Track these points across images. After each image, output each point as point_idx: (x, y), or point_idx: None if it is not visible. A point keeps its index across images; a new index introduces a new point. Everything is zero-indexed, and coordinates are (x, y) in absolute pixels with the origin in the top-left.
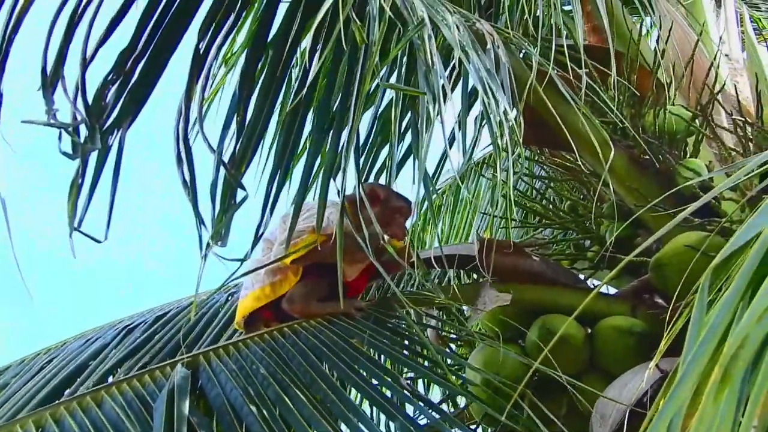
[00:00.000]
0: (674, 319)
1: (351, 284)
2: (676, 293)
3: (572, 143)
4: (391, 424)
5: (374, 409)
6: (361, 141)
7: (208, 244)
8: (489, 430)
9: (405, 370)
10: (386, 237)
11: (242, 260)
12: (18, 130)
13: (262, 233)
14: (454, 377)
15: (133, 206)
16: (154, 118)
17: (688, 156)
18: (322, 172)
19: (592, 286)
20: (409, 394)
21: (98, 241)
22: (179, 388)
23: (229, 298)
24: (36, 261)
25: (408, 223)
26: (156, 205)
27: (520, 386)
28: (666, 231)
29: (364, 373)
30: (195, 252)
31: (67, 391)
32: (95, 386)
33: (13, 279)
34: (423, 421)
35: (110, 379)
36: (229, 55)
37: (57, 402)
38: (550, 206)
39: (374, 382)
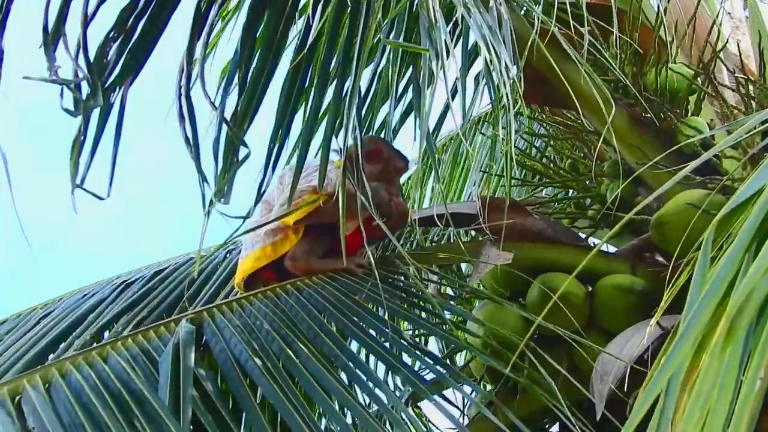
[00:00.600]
0: (675, 276)
1: (348, 240)
2: (677, 251)
3: (573, 101)
4: (397, 379)
5: (378, 363)
6: (362, 98)
7: (211, 201)
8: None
9: (407, 325)
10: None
11: (245, 217)
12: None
13: (265, 191)
14: (456, 333)
15: (129, 171)
16: (152, 81)
17: (689, 114)
18: (323, 129)
19: (593, 245)
20: (412, 348)
21: (100, 198)
22: (184, 342)
23: (227, 255)
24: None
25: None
26: (153, 169)
27: (523, 340)
28: (667, 189)
29: (368, 329)
30: (192, 215)
31: (62, 344)
32: (93, 339)
33: None
34: (428, 376)
35: (107, 334)
36: (230, 11)
37: (63, 357)
38: (551, 165)
39: (377, 336)
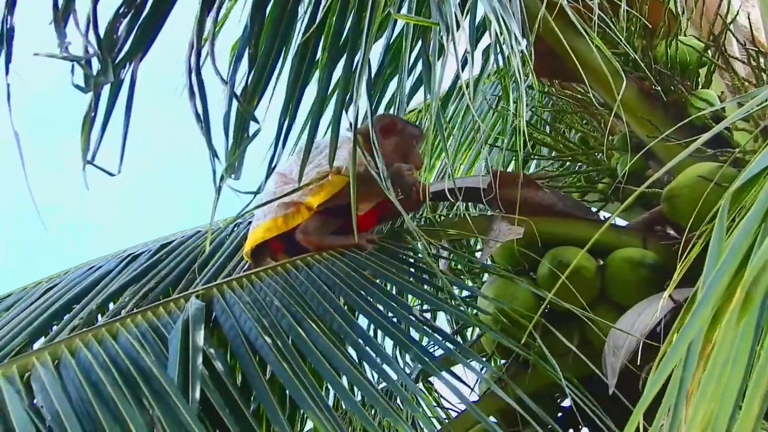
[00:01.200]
0: (688, 249)
1: (361, 219)
2: (689, 224)
3: (583, 74)
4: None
5: (387, 340)
6: (372, 73)
7: (221, 177)
8: (500, 361)
9: (416, 302)
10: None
11: (255, 192)
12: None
13: (275, 166)
14: (466, 308)
15: (140, 147)
16: (162, 58)
17: (700, 87)
18: (333, 103)
19: (604, 219)
20: (422, 324)
21: (111, 174)
22: (194, 318)
23: (234, 229)
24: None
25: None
26: (163, 146)
27: (535, 316)
28: (678, 162)
29: (378, 305)
30: (200, 192)
31: (67, 315)
32: (98, 309)
33: None
34: (437, 353)
35: (112, 305)
36: None
37: (72, 334)
38: (561, 138)
39: (387, 313)
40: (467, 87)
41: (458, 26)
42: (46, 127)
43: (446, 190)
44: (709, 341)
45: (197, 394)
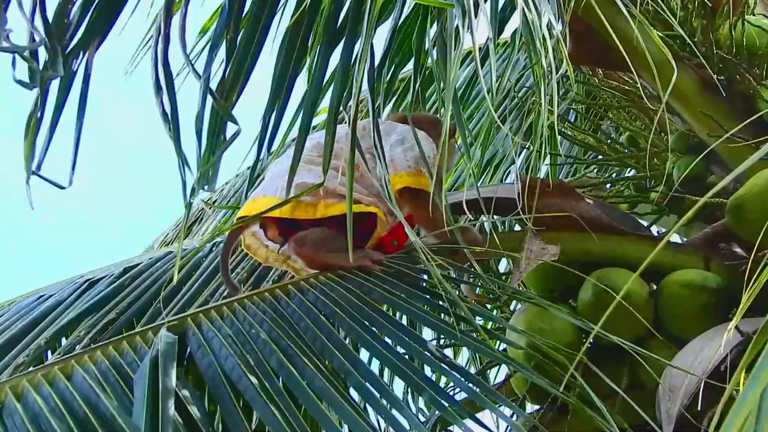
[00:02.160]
0: (758, 271)
1: (381, 240)
2: (759, 240)
3: (630, 62)
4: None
5: (399, 381)
6: (376, 62)
7: (193, 189)
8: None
9: (433, 335)
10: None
11: (234, 208)
12: None
13: (258, 176)
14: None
15: (99, 148)
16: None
17: None
18: (329, 99)
19: (657, 234)
20: (439, 362)
21: (61, 187)
22: (164, 355)
23: (213, 249)
24: None
25: None
26: (127, 147)
27: (578, 354)
28: (747, 167)
29: (386, 339)
30: (173, 201)
31: (13, 350)
32: (47, 344)
33: None
34: (459, 396)
35: (64, 341)
36: None
37: (18, 374)
38: (606, 139)
39: (397, 348)
40: (484, 77)
41: (477, 8)
42: None
43: (466, 202)
44: None
45: None
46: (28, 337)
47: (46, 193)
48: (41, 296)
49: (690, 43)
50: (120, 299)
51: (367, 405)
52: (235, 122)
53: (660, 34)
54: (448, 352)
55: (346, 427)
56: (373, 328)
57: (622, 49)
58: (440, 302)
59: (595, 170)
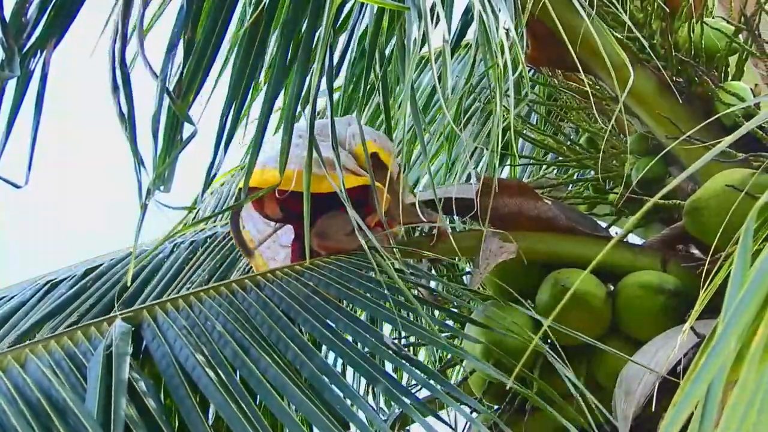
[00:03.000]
0: (713, 273)
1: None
2: (716, 242)
3: (588, 64)
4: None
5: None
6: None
7: (149, 190)
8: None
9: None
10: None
11: (190, 209)
12: None
13: (214, 176)
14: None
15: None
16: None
17: (729, 78)
18: (287, 101)
19: (615, 235)
20: (399, 358)
21: (17, 187)
22: (119, 345)
23: (175, 249)
24: None
25: None
26: (86, 146)
27: (533, 346)
28: (701, 166)
29: (343, 332)
30: (133, 201)
31: None
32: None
33: None
34: (421, 394)
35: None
36: None
37: None
38: (566, 140)
39: (357, 344)
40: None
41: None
42: None
43: (420, 202)
44: (731, 383)
45: None
46: None
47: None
48: (2, 297)
49: (649, 45)
50: (82, 301)
51: (324, 397)
52: (192, 123)
53: (619, 36)
54: (412, 353)
55: (304, 419)
56: (329, 322)
57: (574, 51)
58: (400, 298)
59: (555, 171)
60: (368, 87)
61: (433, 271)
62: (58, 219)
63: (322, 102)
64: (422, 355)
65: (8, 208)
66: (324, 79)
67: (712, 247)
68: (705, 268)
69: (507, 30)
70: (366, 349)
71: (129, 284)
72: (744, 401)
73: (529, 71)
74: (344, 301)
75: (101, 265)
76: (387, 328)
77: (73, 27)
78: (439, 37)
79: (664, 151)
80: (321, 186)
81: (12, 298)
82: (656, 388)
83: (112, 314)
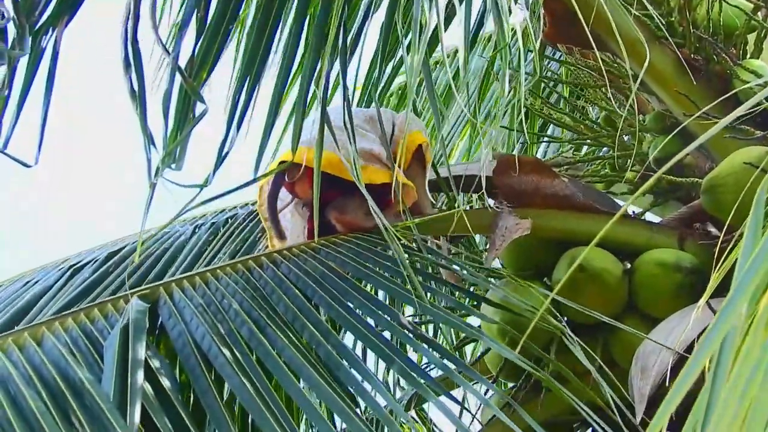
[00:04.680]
0: (728, 249)
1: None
2: (732, 220)
3: (605, 41)
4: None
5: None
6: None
7: (157, 169)
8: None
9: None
10: None
11: (202, 186)
12: None
13: (226, 154)
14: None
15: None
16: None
17: (748, 56)
18: (300, 78)
19: (633, 214)
20: (415, 338)
21: (27, 166)
22: (135, 323)
23: (196, 231)
24: None
25: None
26: (99, 123)
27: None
28: (705, 139)
29: (358, 311)
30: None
31: None
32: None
33: None
34: (434, 373)
35: None
36: None
37: None
38: (582, 117)
39: (370, 321)
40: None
41: None
42: None
43: (443, 179)
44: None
45: (137, 413)
46: (20, 325)
47: None
48: (27, 282)
49: (666, 23)
50: (105, 286)
51: (340, 378)
52: (203, 101)
53: (637, 13)
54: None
55: (318, 398)
56: (346, 300)
57: (591, 29)
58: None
59: (572, 149)
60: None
61: (453, 250)
62: (71, 204)
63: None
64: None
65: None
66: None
67: (727, 224)
68: (719, 245)
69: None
70: (381, 329)
71: (150, 267)
72: (748, 368)
73: (545, 49)
74: (360, 279)
75: (123, 248)
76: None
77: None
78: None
79: (678, 128)
80: (344, 173)
81: (36, 282)
82: (672, 365)
83: (128, 292)
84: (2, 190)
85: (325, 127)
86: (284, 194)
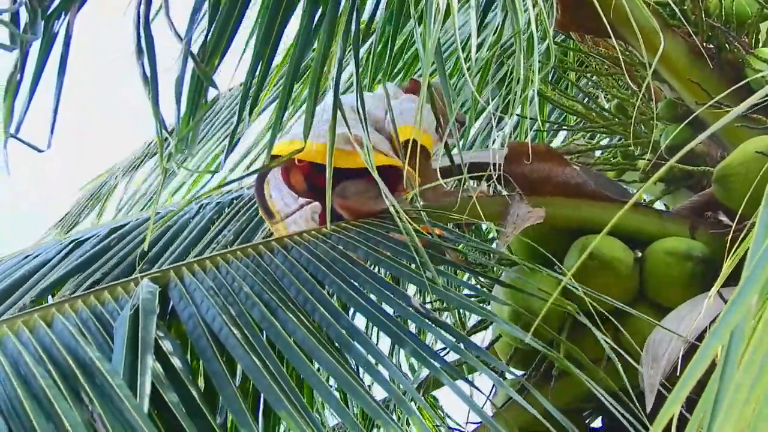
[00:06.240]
0: (740, 238)
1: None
2: (744, 209)
3: (619, 29)
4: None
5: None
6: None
7: (170, 154)
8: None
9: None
10: None
11: (213, 172)
12: None
13: (238, 139)
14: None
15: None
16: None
17: (760, 45)
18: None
19: (644, 202)
20: (424, 318)
21: (40, 151)
22: (145, 305)
23: (200, 210)
24: None
25: None
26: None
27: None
28: (722, 125)
29: (370, 294)
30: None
31: None
32: (33, 304)
33: None
34: (450, 357)
35: (50, 300)
36: None
37: None
38: (594, 105)
39: (383, 305)
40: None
41: None
42: None
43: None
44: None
45: (147, 389)
46: (13, 296)
47: None
48: (27, 256)
49: (679, 11)
50: (106, 259)
51: (349, 355)
52: (215, 87)
53: (649, 1)
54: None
55: (331, 379)
56: (357, 284)
57: (603, 17)
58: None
59: (584, 137)
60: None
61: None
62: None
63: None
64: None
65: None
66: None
67: (740, 213)
68: (731, 234)
69: None
70: (393, 311)
71: (152, 243)
72: (760, 356)
73: (557, 36)
74: (371, 263)
75: (126, 224)
76: (414, 291)
77: None
78: None
79: (691, 117)
80: (348, 161)
81: (37, 255)
82: (683, 353)
83: (138, 274)
84: (2, 190)
85: (314, 119)
86: (290, 200)
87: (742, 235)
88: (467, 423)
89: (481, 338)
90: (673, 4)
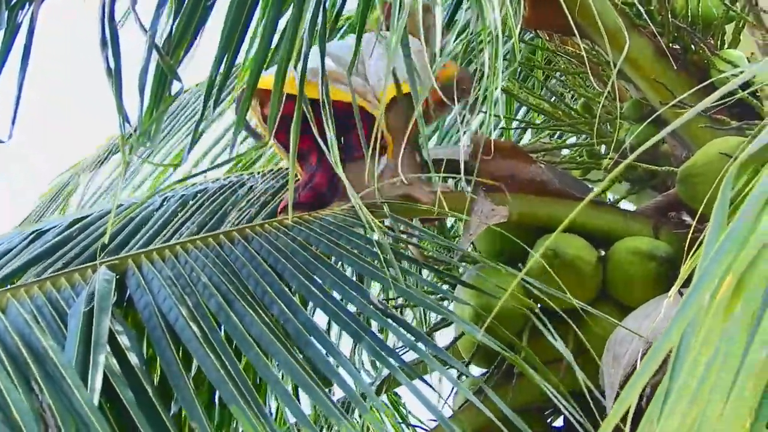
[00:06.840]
0: (700, 239)
1: None
2: (706, 209)
3: (586, 28)
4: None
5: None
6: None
7: (131, 146)
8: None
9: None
10: None
11: (176, 165)
12: None
13: (202, 132)
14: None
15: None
16: None
17: (725, 46)
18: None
19: (609, 201)
20: (383, 315)
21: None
22: (101, 292)
23: (164, 203)
24: None
25: None
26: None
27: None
28: (684, 123)
29: (331, 290)
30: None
31: None
32: None
33: None
34: (407, 356)
35: None
36: None
37: None
38: (560, 104)
39: (340, 297)
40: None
41: None
42: None
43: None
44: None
45: (98, 382)
46: None
47: None
48: None
49: (645, 11)
50: (67, 249)
51: (309, 356)
52: (179, 80)
53: (616, 1)
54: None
55: (288, 376)
56: (317, 278)
57: (571, 15)
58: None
59: (549, 136)
60: None
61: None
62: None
63: None
64: (410, 318)
65: None
66: None
67: (701, 213)
68: (693, 234)
69: None
70: (353, 308)
71: (115, 234)
72: (708, 351)
73: (525, 34)
74: (333, 258)
75: (89, 215)
76: (377, 289)
77: None
78: None
79: (654, 115)
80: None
81: None
82: (643, 353)
83: (96, 261)
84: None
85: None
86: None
87: (702, 236)
88: (429, 420)
89: (447, 335)
90: (639, 5)
